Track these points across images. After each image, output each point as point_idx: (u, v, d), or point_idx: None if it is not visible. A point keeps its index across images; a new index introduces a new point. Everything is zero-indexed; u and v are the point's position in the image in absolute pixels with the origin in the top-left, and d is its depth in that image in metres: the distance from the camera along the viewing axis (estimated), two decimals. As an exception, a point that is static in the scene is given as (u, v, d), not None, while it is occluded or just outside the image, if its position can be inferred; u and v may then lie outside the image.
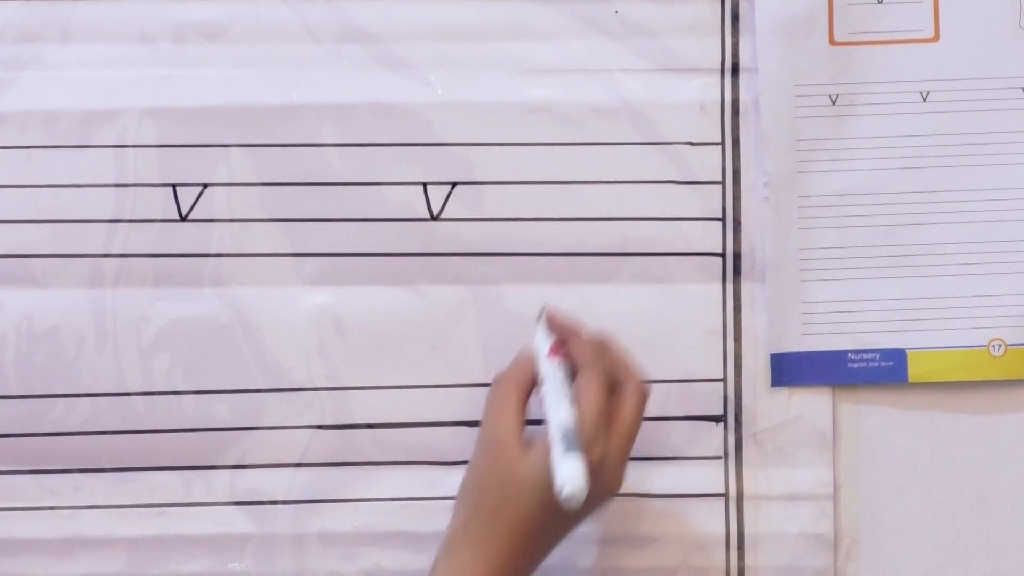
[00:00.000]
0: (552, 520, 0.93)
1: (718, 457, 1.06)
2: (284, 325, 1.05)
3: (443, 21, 1.05)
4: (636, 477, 1.05)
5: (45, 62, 1.05)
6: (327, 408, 1.06)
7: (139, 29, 1.05)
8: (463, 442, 1.04)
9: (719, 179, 1.06)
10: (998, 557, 1.06)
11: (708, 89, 1.06)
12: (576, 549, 1.04)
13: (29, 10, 1.04)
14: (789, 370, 1.05)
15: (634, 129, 1.05)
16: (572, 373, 0.95)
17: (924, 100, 1.04)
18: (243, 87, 1.05)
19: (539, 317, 1.00)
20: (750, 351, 1.06)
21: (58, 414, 1.05)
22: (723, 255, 1.06)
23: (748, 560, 1.06)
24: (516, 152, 1.05)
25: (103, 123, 1.05)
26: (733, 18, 1.05)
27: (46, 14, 1.05)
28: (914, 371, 1.05)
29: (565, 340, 0.97)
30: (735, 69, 1.05)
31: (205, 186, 1.05)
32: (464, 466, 0.98)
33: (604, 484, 0.93)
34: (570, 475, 0.87)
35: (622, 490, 1.03)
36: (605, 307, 1.05)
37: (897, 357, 1.05)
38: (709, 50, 1.05)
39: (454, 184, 1.05)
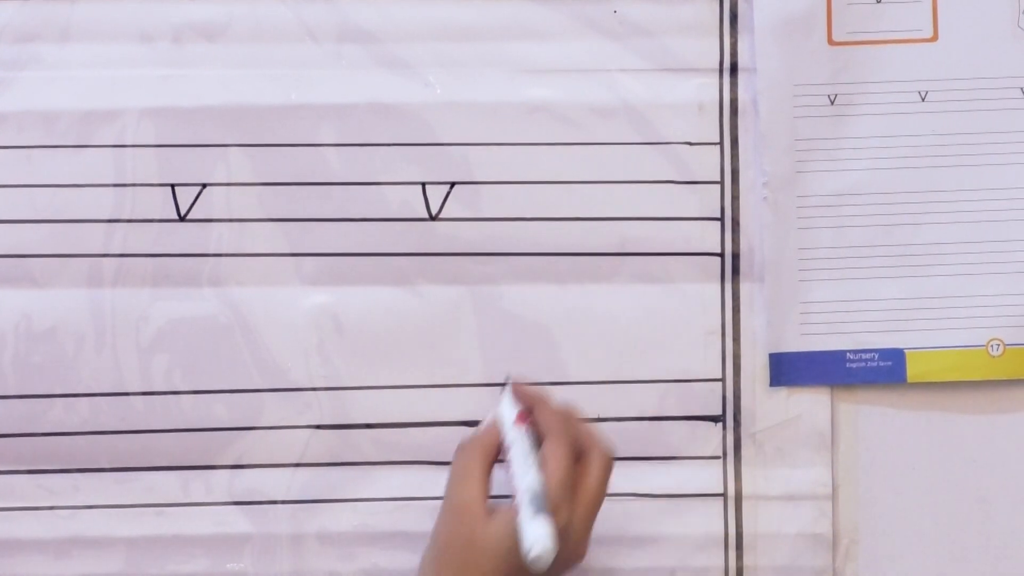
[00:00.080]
0: None
1: (717, 457, 1.06)
2: (283, 325, 1.05)
3: (442, 21, 1.05)
4: (635, 477, 1.05)
5: (44, 62, 1.05)
6: (326, 408, 1.06)
7: (138, 29, 1.05)
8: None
9: (718, 179, 1.06)
10: (997, 557, 1.06)
11: (707, 89, 1.06)
12: (575, 549, 1.04)
13: (28, 10, 1.05)
14: (788, 370, 1.05)
15: (633, 129, 1.05)
16: (538, 441, 0.95)
17: (923, 100, 1.04)
18: (242, 87, 1.05)
19: (505, 386, 1.00)
20: (749, 351, 1.06)
21: (57, 414, 1.05)
22: (722, 255, 1.06)
23: (747, 560, 1.06)
24: (515, 152, 1.05)
25: (102, 123, 1.05)
26: (732, 18, 1.05)
27: (45, 14, 1.05)
28: (913, 371, 1.05)
29: (531, 408, 0.97)
30: (734, 69, 1.05)
31: (204, 186, 1.05)
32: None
33: (568, 551, 0.93)
34: (538, 536, 0.87)
35: (621, 490, 1.03)
36: (604, 307, 1.05)
37: (896, 357, 1.05)
38: (708, 50, 1.05)
39: (453, 184, 1.05)
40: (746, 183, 1.06)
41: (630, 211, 1.05)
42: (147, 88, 1.05)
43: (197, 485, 1.06)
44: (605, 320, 1.05)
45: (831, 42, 1.04)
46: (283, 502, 1.06)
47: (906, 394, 1.06)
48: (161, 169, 1.05)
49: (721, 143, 1.06)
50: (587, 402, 1.05)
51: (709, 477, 1.06)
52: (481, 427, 0.98)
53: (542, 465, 0.92)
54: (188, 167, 1.05)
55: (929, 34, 1.04)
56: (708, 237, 1.06)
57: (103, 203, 1.05)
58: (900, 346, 1.05)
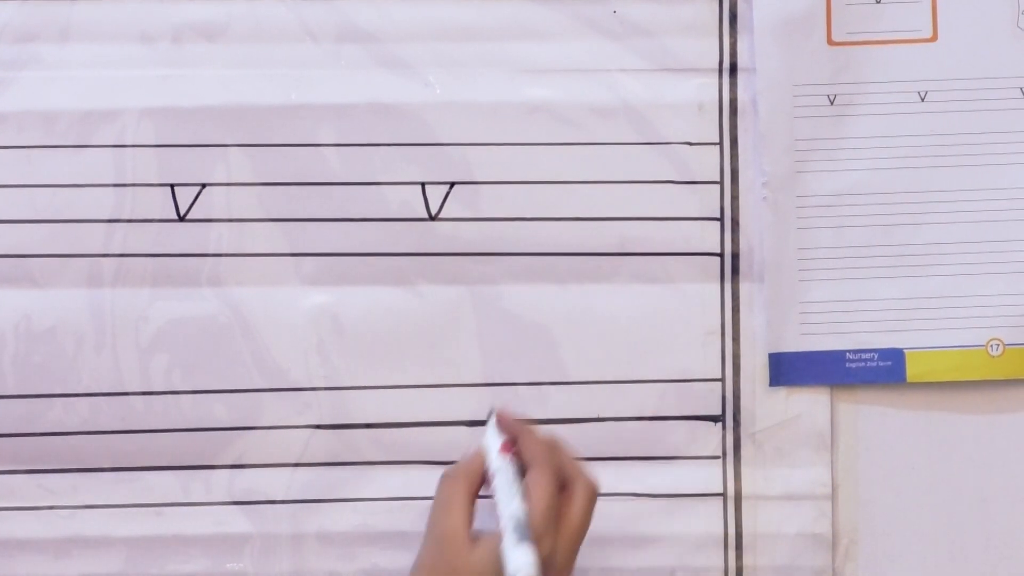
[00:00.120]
0: None
1: (716, 457, 1.06)
2: (282, 325, 1.05)
3: (442, 21, 1.05)
4: (635, 477, 1.05)
5: (44, 62, 1.05)
6: (325, 408, 1.06)
7: (138, 29, 1.05)
8: (461, 442, 1.04)
9: (717, 179, 1.06)
10: (997, 557, 1.06)
11: (706, 89, 1.06)
12: (574, 549, 1.04)
13: (28, 10, 1.05)
14: (787, 370, 1.05)
15: (632, 129, 1.05)
16: (523, 470, 0.95)
17: (922, 100, 1.04)
18: (242, 87, 1.05)
19: (489, 416, 1.00)
20: (748, 351, 1.06)
21: (56, 414, 1.05)
22: (721, 255, 1.06)
23: (746, 560, 1.06)
24: (515, 152, 1.05)
25: (102, 123, 1.05)
26: (731, 18, 1.05)
27: (45, 14, 1.05)
28: (912, 371, 1.05)
29: (516, 438, 0.97)
30: (733, 69, 1.05)
31: (203, 186, 1.05)
32: (462, 466, 0.98)
33: None
34: (521, 564, 0.88)
35: (621, 490, 1.03)
36: (603, 307, 1.05)
37: (895, 357, 1.05)
38: (707, 50, 1.05)
39: (452, 184, 1.05)
40: (746, 183, 1.06)
41: (630, 211, 1.05)
42: (147, 88, 1.05)
43: (197, 485, 1.06)
44: (605, 320, 1.05)
45: (831, 42, 1.04)
46: (283, 502, 1.06)
47: (906, 394, 1.06)
48: (161, 169, 1.05)
49: (721, 143, 1.06)
50: (587, 402, 1.05)
51: (709, 477, 1.06)
52: (465, 457, 0.98)
53: (526, 494, 0.92)
54: (188, 167, 1.05)
55: (929, 34, 1.04)
56: (708, 237, 1.06)
57: (103, 203, 1.05)
58: (900, 346, 1.05)
